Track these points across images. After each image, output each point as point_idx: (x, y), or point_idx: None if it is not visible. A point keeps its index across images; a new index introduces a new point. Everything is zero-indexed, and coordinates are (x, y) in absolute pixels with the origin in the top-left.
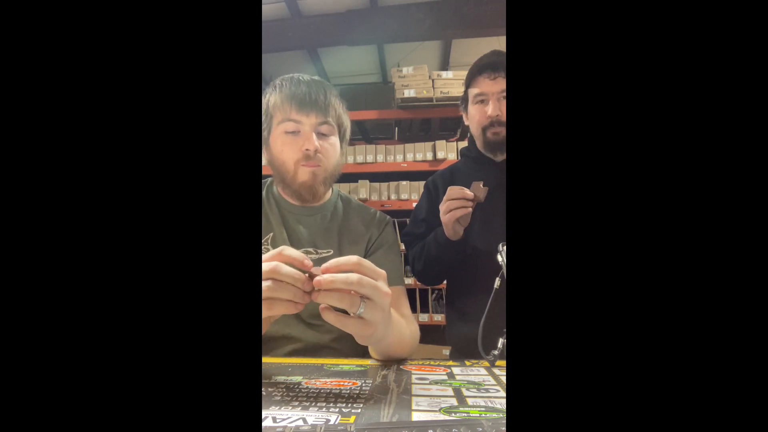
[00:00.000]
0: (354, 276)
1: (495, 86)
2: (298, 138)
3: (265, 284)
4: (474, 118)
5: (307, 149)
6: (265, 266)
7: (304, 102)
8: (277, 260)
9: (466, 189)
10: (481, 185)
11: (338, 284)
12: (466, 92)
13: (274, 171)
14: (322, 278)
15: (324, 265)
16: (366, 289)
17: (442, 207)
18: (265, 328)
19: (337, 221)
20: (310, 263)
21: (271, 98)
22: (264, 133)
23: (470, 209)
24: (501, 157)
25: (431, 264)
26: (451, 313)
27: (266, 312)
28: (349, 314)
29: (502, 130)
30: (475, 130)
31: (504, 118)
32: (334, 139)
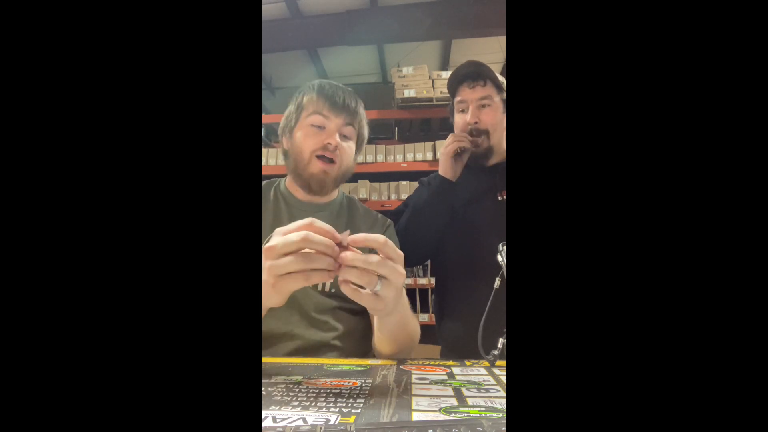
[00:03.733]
0: (374, 258)
1: (473, 94)
2: (321, 133)
3: (297, 256)
4: (457, 125)
5: (328, 143)
6: (295, 236)
7: (337, 104)
8: (306, 230)
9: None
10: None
11: (359, 263)
12: (452, 100)
13: (290, 161)
14: (345, 255)
15: (351, 237)
16: (384, 270)
17: (445, 143)
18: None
19: (343, 219)
20: (338, 236)
21: (306, 96)
22: (291, 124)
23: (468, 144)
24: (490, 161)
25: (415, 218)
26: (439, 312)
27: (303, 284)
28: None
29: (479, 140)
30: None
31: (482, 126)
32: (352, 144)
